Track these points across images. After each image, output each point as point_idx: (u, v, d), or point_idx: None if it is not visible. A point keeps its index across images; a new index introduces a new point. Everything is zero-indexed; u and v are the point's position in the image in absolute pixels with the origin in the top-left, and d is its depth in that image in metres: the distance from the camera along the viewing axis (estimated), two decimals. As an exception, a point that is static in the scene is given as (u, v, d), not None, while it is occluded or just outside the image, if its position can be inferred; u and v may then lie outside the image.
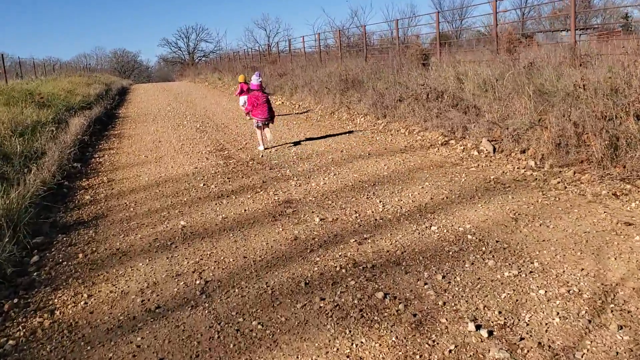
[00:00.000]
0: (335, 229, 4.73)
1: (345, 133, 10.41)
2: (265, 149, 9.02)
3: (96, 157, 9.51)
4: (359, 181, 6.47)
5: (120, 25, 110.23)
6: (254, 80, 9.20)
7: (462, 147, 7.98)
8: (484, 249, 4.03)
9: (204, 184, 6.90)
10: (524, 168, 6.53)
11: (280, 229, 4.85)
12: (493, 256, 3.88)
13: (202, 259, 4.29)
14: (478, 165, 6.90)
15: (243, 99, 13.00)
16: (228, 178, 7.16)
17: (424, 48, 16.56)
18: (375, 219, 4.91)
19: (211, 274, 3.95)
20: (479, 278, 3.54)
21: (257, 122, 9.07)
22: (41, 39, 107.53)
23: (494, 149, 7.55)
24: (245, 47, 60.26)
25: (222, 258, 4.27)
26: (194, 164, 8.26)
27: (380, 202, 5.47)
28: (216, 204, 5.95)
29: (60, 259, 4.58)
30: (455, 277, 3.57)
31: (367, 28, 22.67)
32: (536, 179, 5.97)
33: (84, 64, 61.11)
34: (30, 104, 12.32)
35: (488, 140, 7.84)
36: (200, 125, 12.83)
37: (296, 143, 9.53)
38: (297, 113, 14.43)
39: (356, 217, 5.02)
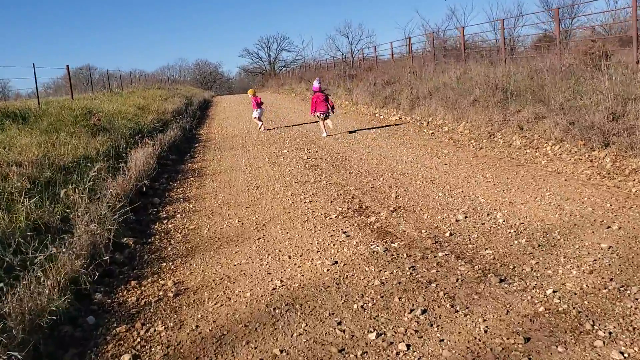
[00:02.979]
0: None
1: (551, 174, 6.26)
2: (327, 135, 11.16)
3: (163, 220, 5.90)
4: None
5: (202, 37, 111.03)
6: (315, 84, 11.54)
7: None
8: None
9: (378, 333, 2.97)
10: None
11: None
12: None
13: None
14: None
15: (257, 112, 13.54)
16: (423, 309, 3.23)
17: (603, 45, 11.95)
18: None
19: None
20: None
21: (320, 114, 11.25)
22: (128, 52, 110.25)
23: None
24: (327, 55, 56.90)
25: None
26: (328, 250, 4.40)
27: None
28: None
29: None
30: None
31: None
32: None
33: (167, 75, 60.35)
34: (83, 129, 9.04)
35: None
36: (307, 157, 9.05)
37: (486, 198, 5.47)
38: (433, 135, 10.33)
39: None
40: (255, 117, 13.86)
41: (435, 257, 4.09)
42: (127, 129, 10.30)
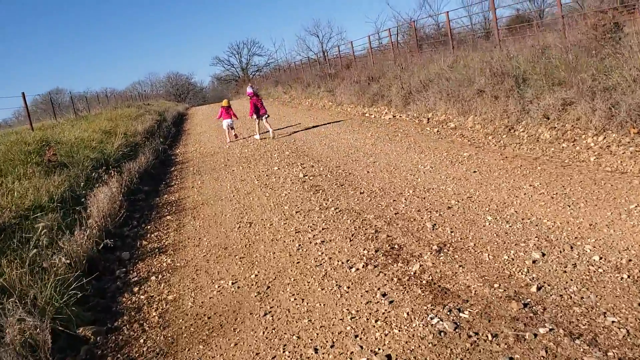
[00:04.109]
0: None
1: (614, 175, 4.97)
2: (273, 138, 11.85)
3: (133, 288, 4.49)
4: None
5: (172, 49, 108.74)
6: (249, 90, 12.21)
7: None
8: None
9: None
10: None
11: None
12: None
13: None
14: None
15: (226, 122, 12.91)
16: None
17: (613, 15, 10.69)
18: None
19: None
20: None
21: (261, 117, 11.90)
22: (98, 71, 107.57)
23: None
24: (299, 56, 55.30)
25: None
26: (370, 333, 3.07)
27: None
28: None
29: None
30: None
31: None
32: None
33: (138, 91, 58.38)
34: (36, 167, 7.53)
35: None
36: (303, 174, 7.64)
37: (554, 221, 4.13)
38: (439, 134, 9.01)
39: None
40: (227, 127, 13.01)
41: (536, 336, 2.71)
42: (89, 160, 8.78)
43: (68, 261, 4.52)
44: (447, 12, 16.44)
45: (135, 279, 4.78)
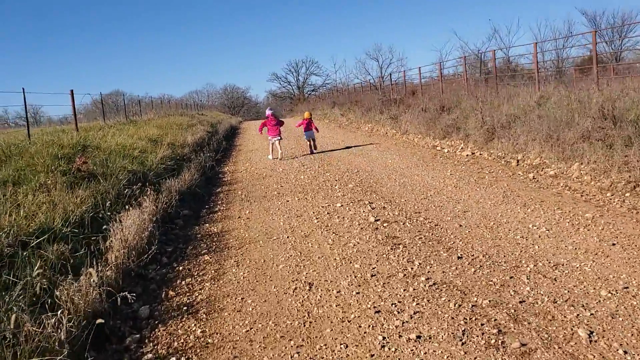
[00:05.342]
0: None
1: None
2: (279, 159, 12.33)
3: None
4: None
5: (230, 61, 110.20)
6: (268, 111, 13.05)
7: None
8: None
9: None
10: None
11: None
12: None
13: None
14: None
15: (308, 134, 13.35)
16: None
17: None
18: None
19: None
20: None
21: (271, 138, 12.70)
22: (159, 78, 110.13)
23: None
24: (357, 79, 54.09)
25: None
26: None
27: None
28: None
29: None
30: None
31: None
32: None
33: (194, 100, 58.55)
34: (61, 176, 6.33)
35: None
36: (374, 217, 6.18)
37: None
38: (537, 182, 7.33)
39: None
40: (309, 138, 13.43)
41: None
42: (126, 173, 7.55)
43: (59, 324, 3.15)
44: (535, 42, 14.69)
45: (150, 357, 3.35)
